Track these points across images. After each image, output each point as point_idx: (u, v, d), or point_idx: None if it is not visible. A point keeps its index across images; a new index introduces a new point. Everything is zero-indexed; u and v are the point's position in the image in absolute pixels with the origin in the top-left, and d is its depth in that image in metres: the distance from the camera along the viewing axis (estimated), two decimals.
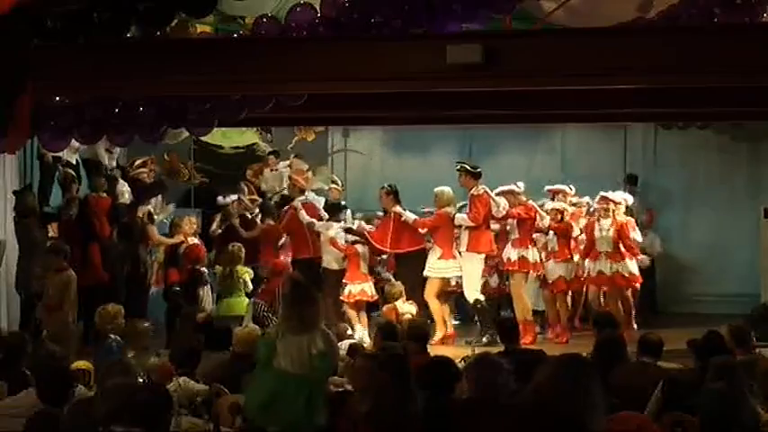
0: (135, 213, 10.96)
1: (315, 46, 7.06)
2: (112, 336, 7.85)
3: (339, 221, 10.91)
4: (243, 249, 10.53)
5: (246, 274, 10.38)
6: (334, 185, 12.56)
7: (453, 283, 10.47)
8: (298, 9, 7.20)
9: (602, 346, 6.41)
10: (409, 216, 10.48)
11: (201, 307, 10.21)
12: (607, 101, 8.57)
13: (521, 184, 10.68)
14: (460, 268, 10.28)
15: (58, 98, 8.31)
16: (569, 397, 3.08)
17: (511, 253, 10.40)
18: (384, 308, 9.99)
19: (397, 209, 10.50)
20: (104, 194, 10.73)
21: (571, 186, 11.10)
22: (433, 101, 8.60)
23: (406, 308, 9.83)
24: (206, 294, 10.66)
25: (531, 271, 10.46)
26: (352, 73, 6.90)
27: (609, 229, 10.34)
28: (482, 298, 10.27)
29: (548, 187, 11.17)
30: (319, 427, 5.20)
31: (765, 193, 12.89)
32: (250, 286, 10.34)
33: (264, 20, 7.38)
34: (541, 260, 10.56)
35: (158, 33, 7.34)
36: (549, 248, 10.75)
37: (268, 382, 5.39)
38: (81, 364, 6.65)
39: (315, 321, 5.44)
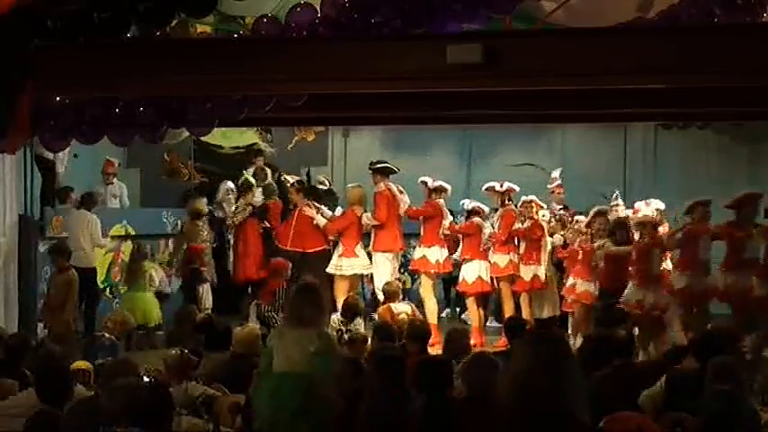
0: None
1: (315, 46, 7.04)
2: (107, 335, 7.93)
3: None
4: (146, 246, 11.06)
5: (152, 269, 10.73)
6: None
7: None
8: (298, 9, 7.19)
9: (596, 342, 6.42)
10: (320, 220, 10.44)
11: (201, 306, 10.25)
12: (607, 101, 8.55)
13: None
14: (365, 266, 10.19)
15: (58, 98, 8.31)
16: (552, 388, 2.97)
17: (415, 252, 10.31)
18: (380, 308, 9.78)
19: (308, 210, 10.50)
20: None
21: (503, 184, 10.62)
22: (433, 101, 8.58)
23: (401, 307, 9.64)
24: (205, 293, 10.71)
25: (434, 271, 10.22)
26: (352, 73, 6.89)
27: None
28: None
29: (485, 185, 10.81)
30: (316, 427, 5.09)
31: (765, 193, 12.87)
32: (156, 282, 10.65)
33: (264, 20, 7.37)
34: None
35: (158, 33, 7.34)
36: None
37: (268, 384, 5.31)
38: (81, 364, 6.66)
39: (315, 320, 5.38)
